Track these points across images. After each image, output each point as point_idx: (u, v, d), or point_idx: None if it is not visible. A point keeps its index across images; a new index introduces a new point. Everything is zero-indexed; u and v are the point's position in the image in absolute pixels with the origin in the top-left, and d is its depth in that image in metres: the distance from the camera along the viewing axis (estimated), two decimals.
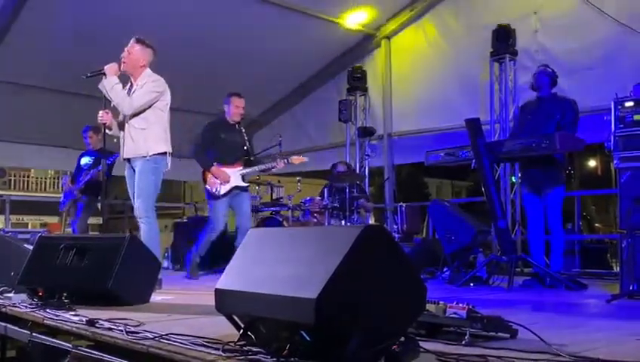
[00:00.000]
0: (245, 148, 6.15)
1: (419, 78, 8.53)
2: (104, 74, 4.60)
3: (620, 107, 4.15)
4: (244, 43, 8.20)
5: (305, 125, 9.85)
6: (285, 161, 6.21)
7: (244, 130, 6.23)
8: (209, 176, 6.04)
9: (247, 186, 6.20)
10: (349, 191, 7.04)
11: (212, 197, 6.04)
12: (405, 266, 2.10)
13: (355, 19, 8.43)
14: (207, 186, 6.09)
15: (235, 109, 6.16)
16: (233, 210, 6.20)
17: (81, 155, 7.33)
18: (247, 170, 6.11)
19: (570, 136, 4.88)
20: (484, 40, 7.33)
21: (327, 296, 1.86)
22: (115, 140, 4.84)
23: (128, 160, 4.76)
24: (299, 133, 9.77)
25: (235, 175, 6.03)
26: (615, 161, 4.17)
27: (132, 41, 4.76)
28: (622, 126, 4.13)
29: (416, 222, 8.11)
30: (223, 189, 5.97)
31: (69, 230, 7.23)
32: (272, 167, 6.23)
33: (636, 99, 4.13)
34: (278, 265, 2.19)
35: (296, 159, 6.38)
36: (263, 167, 6.22)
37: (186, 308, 3.61)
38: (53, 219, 19.39)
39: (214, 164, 6.01)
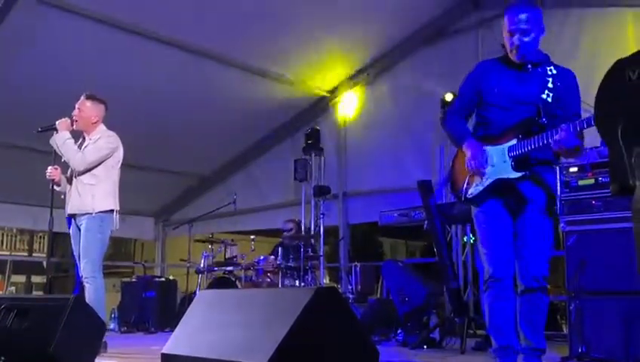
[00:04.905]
0: (536, 106, 3.06)
1: (373, 139, 8.69)
2: (55, 129, 4.54)
3: (565, 172, 4.30)
4: (200, 101, 8.24)
5: (260, 183, 9.84)
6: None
7: (549, 71, 3.12)
8: (459, 163, 3.29)
9: (524, 177, 3.06)
10: (304, 251, 7.00)
11: (464, 202, 3.28)
12: (357, 330, 2.09)
13: (308, 79, 8.59)
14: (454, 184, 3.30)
15: (506, 34, 3.13)
16: None
17: None
18: (524, 145, 3.03)
19: None
20: (436, 103, 7.55)
21: None
22: (62, 196, 4.73)
23: (73, 217, 4.63)
24: (254, 191, 9.75)
25: (498, 156, 3.10)
26: (561, 225, 4.28)
27: (82, 97, 4.72)
28: (567, 190, 4.27)
29: (371, 283, 8.10)
30: (473, 187, 3.16)
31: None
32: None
33: (580, 164, 4.28)
34: (228, 329, 2.14)
35: None
36: (543, 140, 2.94)
37: None
38: None
39: (467, 138, 3.20)
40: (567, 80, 3.11)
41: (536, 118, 3.02)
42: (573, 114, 3.00)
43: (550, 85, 3.06)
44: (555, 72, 3.10)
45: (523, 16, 3.03)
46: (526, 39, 3.04)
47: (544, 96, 3.05)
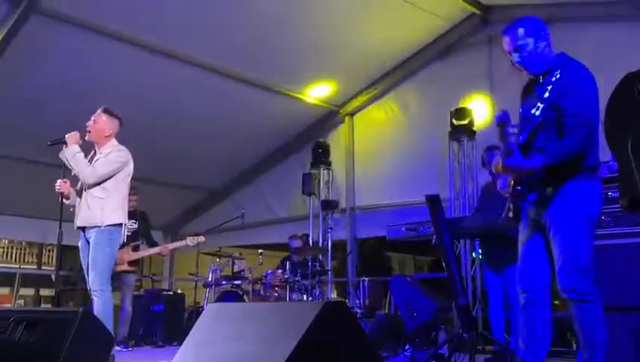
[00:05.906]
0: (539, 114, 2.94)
1: (381, 153, 8.70)
2: (65, 143, 4.58)
3: None
4: (209, 115, 8.28)
5: (268, 197, 9.86)
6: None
7: (554, 78, 2.94)
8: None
9: (516, 197, 3.14)
10: (312, 265, 6.99)
11: None
12: (365, 345, 2.08)
13: (317, 93, 8.63)
14: None
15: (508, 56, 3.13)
16: None
17: None
18: None
19: None
20: (444, 118, 7.55)
21: None
22: (71, 209, 4.75)
23: (83, 229, 4.65)
24: (261, 205, 9.76)
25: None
26: None
27: (99, 110, 4.77)
28: None
29: (379, 297, 8.05)
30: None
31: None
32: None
33: None
34: (235, 343, 2.14)
35: None
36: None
37: None
38: (4, 291, 18.66)
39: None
40: (566, 81, 2.91)
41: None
42: (567, 116, 2.88)
43: (546, 95, 2.91)
44: (559, 76, 2.92)
45: (516, 32, 3.03)
46: (525, 54, 3.02)
47: (533, 110, 2.95)
